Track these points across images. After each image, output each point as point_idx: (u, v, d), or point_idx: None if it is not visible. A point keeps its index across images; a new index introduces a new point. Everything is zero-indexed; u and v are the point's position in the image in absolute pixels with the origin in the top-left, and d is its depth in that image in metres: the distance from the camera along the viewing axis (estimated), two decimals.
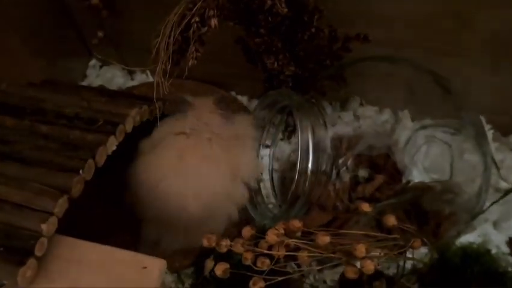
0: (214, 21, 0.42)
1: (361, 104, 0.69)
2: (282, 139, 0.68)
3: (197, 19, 0.41)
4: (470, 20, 0.54)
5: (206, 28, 0.42)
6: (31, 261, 0.40)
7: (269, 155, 0.66)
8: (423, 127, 0.64)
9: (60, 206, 0.43)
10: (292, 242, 0.38)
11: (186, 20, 0.42)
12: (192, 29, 0.42)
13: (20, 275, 0.39)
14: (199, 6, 0.41)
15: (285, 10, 0.42)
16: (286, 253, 0.39)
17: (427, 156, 0.61)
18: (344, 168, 0.54)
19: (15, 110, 0.52)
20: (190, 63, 0.43)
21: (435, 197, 0.53)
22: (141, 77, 0.77)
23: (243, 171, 0.54)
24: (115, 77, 0.77)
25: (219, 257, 0.41)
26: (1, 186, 0.43)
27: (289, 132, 0.68)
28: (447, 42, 0.58)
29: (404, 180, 0.55)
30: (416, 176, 0.56)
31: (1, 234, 0.41)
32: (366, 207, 0.43)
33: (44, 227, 0.41)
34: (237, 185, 0.53)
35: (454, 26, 0.56)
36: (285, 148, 0.67)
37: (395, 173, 0.60)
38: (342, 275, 0.40)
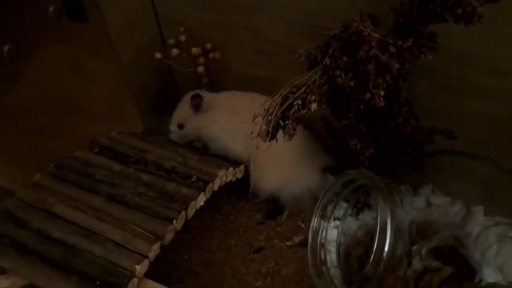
0: (314, 106, 0.46)
1: (433, 191, 0.70)
2: (350, 214, 0.70)
3: (299, 102, 0.46)
4: None
5: (306, 110, 0.47)
6: None
7: (338, 228, 0.68)
8: (496, 224, 0.64)
9: (154, 250, 0.47)
10: None
11: (289, 102, 0.47)
12: (292, 109, 0.47)
13: None
14: (302, 91, 0.46)
15: (382, 104, 0.46)
16: None
17: (498, 255, 0.60)
18: (418, 257, 0.55)
19: (121, 157, 0.59)
20: (286, 139, 0.48)
21: None
22: None
23: None
24: None
25: None
26: (106, 224, 0.49)
27: (358, 208, 0.70)
28: None
29: (475, 278, 0.55)
30: (488, 275, 0.55)
31: (101, 269, 0.46)
32: None
33: (138, 268, 0.46)
34: None
35: None
36: (351, 223, 0.69)
37: (464, 267, 0.60)
38: None
